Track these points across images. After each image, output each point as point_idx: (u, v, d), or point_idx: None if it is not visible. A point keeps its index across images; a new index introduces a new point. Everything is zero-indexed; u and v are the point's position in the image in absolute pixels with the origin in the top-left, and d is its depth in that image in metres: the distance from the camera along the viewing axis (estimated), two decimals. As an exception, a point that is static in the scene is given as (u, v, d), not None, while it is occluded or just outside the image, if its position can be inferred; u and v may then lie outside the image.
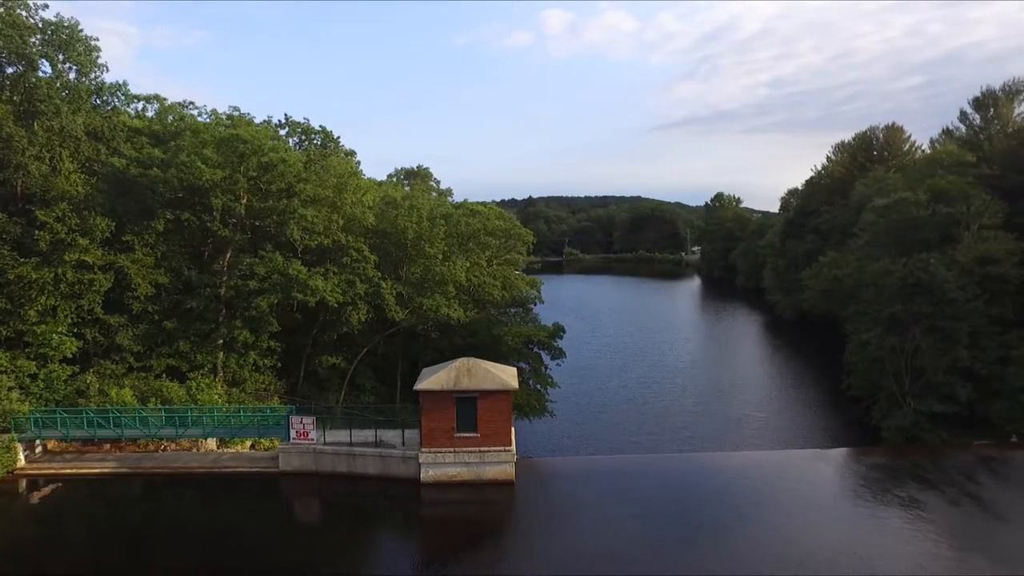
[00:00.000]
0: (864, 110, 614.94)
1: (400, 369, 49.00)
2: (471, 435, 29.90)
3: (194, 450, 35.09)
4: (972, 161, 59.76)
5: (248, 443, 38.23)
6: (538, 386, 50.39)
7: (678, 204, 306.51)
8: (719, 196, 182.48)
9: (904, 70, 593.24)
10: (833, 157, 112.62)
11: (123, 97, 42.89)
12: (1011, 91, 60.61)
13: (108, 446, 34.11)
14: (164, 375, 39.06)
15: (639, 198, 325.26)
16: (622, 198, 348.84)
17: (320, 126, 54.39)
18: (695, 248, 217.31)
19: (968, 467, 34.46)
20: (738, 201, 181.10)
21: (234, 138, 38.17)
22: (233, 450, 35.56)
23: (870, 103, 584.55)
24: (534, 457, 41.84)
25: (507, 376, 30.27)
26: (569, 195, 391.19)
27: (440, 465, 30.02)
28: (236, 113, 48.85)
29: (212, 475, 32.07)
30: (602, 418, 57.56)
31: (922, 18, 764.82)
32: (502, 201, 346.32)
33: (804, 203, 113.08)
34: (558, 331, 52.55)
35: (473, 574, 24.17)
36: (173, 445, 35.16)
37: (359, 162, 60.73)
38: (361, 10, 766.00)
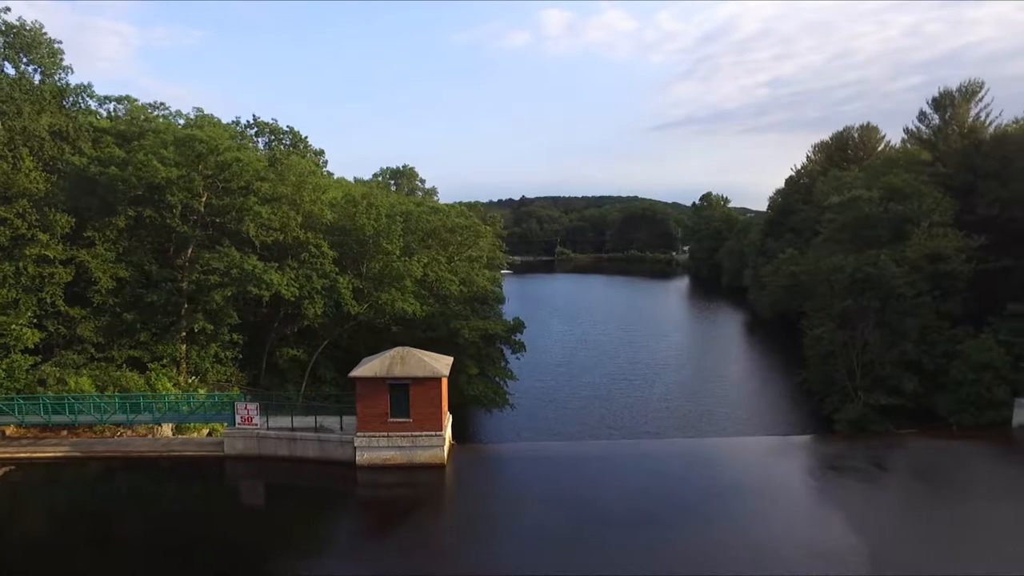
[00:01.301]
0: (864, 110, 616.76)
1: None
2: (404, 420, 31.38)
3: (149, 436, 36.63)
4: (928, 160, 61.12)
5: (205, 431, 39.84)
6: (497, 379, 51.88)
7: (675, 204, 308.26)
8: (707, 196, 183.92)
9: (903, 70, 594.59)
10: (812, 157, 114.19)
11: (89, 98, 44.39)
12: (967, 92, 61.94)
13: (65, 432, 35.63)
14: (125, 366, 40.61)
15: (636, 198, 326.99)
16: (619, 198, 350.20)
17: (288, 126, 56.14)
18: (686, 248, 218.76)
19: (905, 455, 35.94)
20: (726, 201, 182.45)
21: (191, 138, 39.72)
22: (186, 436, 37.07)
23: (870, 103, 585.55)
24: (488, 443, 43.49)
25: (439, 364, 31.74)
26: (567, 195, 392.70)
27: (374, 449, 31.50)
28: (200, 114, 50.35)
29: (162, 458, 33.63)
30: (564, 411, 58.92)
31: (921, 18, 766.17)
32: (499, 201, 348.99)
33: (783, 202, 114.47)
34: (518, 326, 53.93)
35: (403, 546, 25.54)
36: (129, 432, 36.72)
37: (326, 161, 62.36)
38: (361, 10, 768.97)
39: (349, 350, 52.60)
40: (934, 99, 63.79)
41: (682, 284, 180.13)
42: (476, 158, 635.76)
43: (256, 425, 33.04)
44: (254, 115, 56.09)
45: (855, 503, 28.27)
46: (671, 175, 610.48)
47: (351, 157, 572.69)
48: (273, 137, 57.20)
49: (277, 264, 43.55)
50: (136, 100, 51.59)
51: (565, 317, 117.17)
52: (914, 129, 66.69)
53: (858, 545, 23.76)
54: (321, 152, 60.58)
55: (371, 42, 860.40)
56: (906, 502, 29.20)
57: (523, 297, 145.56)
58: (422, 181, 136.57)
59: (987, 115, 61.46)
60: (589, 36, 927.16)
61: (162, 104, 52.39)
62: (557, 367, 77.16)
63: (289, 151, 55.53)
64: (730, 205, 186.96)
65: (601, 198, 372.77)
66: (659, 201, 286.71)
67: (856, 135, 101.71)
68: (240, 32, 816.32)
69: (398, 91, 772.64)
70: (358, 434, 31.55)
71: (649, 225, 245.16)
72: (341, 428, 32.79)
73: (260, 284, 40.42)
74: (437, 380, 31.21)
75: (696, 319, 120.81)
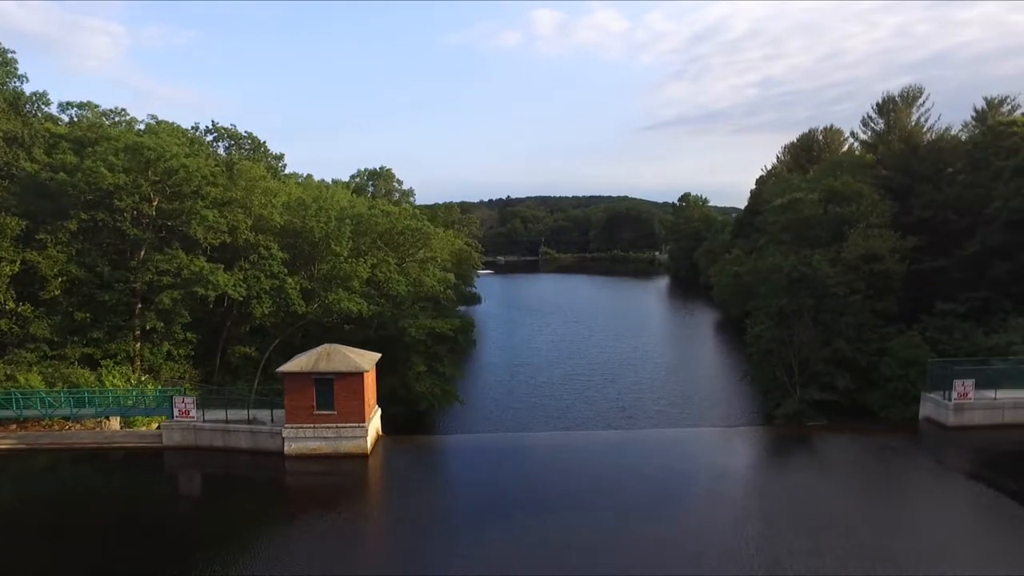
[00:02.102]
0: (854, 110, 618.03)
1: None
2: (329, 412, 33.33)
3: (97, 430, 38.45)
4: (870, 163, 63.27)
5: (154, 424, 41.68)
6: (446, 376, 53.80)
7: (666, 204, 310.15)
8: (686, 196, 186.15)
9: (893, 70, 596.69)
10: (782, 158, 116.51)
11: (44, 105, 46.18)
12: (908, 98, 64.13)
13: (14, 426, 37.44)
14: (78, 363, 42.44)
15: (626, 197, 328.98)
16: (609, 198, 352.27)
17: (247, 132, 57.81)
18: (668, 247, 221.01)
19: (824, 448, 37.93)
20: (705, 201, 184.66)
21: (139, 145, 41.58)
22: (130, 430, 38.91)
23: (859, 103, 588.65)
24: (424, 435, 45.47)
25: (362, 361, 33.68)
26: (558, 195, 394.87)
27: (302, 439, 33.44)
28: (154, 121, 52.17)
29: (103, 449, 35.56)
30: (514, 408, 60.34)
31: (910, 19, 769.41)
32: (489, 201, 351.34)
33: (752, 202, 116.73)
34: (468, 325, 55.92)
35: (326, 528, 27.42)
36: (77, 426, 38.54)
37: (285, 165, 64.15)
38: (354, 10, 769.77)
39: (302, 348, 54.49)
40: (878, 104, 66.03)
41: (662, 284, 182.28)
42: (467, 158, 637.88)
43: (193, 418, 34.94)
44: (213, 121, 58.13)
45: (740, 489, 30.31)
46: (662, 175, 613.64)
47: (341, 157, 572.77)
48: (232, 142, 59.03)
49: (225, 266, 45.46)
50: (97, 106, 53.42)
51: (538, 316, 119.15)
52: (860, 133, 68.90)
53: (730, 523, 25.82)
54: (280, 156, 62.47)
55: (363, 42, 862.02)
56: (787, 489, 31.27)
57: (502, 297, 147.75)
58: (399, 182, 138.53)
59: (926, 120, 63.63)
60: (580, 36, 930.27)
61: (123, 111, 54.29)
62: (518, 366, 78.90)
63: (248, 157, 57.36)
64: (720, 205, 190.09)
65: (591, 198, 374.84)
66: (648, 201, 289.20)
67: (821, 137, 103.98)
68: (231, 32, 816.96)
69: (389, 91, 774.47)
70: (286, 426, 33.48)
71: (634, 225, 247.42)
72: (272, 420, 34.71)
73: (207, 285, 42.28)
74: (359, 375, 33.14)
75: (668, 318, 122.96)
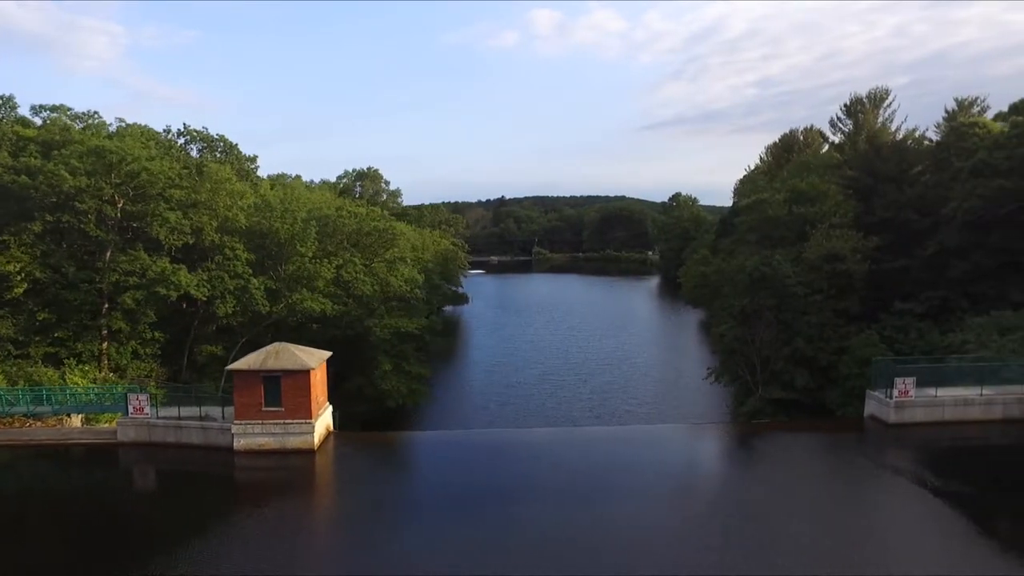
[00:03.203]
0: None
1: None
2: (277, 409, 34.13)
3: (57, 427, 39.27)
4: (837, 163, 63.95)
5: (113, 421, 42.51)
6: (413, 374, 54.70)
7: (664, 204, 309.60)
8: (676, 196, 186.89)
9: (891, 70, 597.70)
10: (764, 157, 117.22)
11: (11, 109, 47.04)
12: (875, 99, 64.82)
13: (-25, 423, 38.26)
14: (43, 363, 43.31)
15: (623, 197, 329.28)
16: (607, 197, 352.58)
17: (218, 134, 58.65)
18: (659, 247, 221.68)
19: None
20: (695, 201, 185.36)
21: (102, 149, 42.43)
22: (88, 427, 39.74)
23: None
24: (381, 431, 46.33)
25: (309, 358, 34.47)
26: (555, 195, 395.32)
27: (250, 435, 34.26)
28: (122, 124, 53.03)
29: (62, 446, 36.39)
30: (486, 408, 61.46)
31: (907, 18, 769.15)
32: (486, 201, 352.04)
33: (736, 202, 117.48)
34: (433, 325, 56.73)
35: (273, 516, 28.26)
36: (39, 423, 39.37)
37: (257, 167, 65.01)
38: (354, 9, 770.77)
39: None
40: (846, 105, 66.68)
41: (652, 283, 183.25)
42: (466, 158, 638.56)
43: (147, 414, 35.77)
44: (184, 124, 58.88)
45: (669, 485, 31.10)
46: (660, 175, 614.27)
47: (339, 156, 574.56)
48: (205, 145, 59.88)
49: (192, 266, 46.34)
50: (69, 109, 54.21)
51: (523, 316, 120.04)
52: (830, 134, 69.60)
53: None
54: (253, 158, 63.30)
55: (362, 42, 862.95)
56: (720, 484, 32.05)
57: (490, 297, 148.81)
58: (387, 183, 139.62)
59: (892, 121, 64.29)
60: (579, 36, 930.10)
61: (95, 113, 55.08)
62: (496, 366, 79.81)
63: (221, 159, 58.24)
64: (720, 205, 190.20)
65: (588, 198, 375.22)
66: (646, 201, 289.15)
67: (801, 137, 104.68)
68: (230, 32, 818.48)
69: (388, 91, 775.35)
70: (235, 422, 34.29)
71: (627, 225, 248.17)
72: (223, 417, 35.53)
73: (169, 285, 43.12)
74: (306, 373, 33.94)
75: (653, 318, 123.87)
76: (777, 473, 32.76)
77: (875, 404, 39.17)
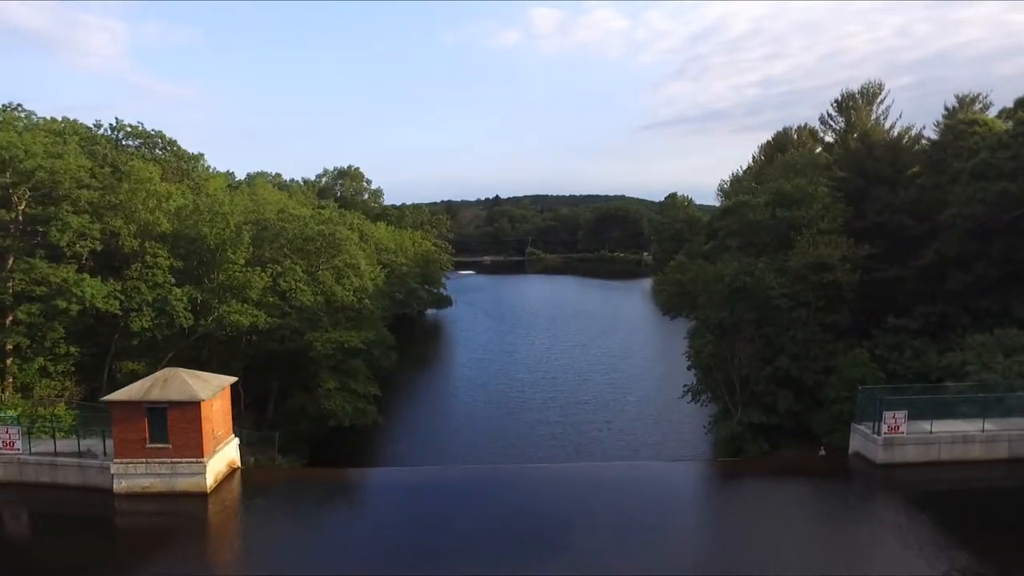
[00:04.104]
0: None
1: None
2: (163, 446, 29.47)
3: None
4: (825, 163, 59.12)
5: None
6: (359, 393, 50.02)
7: (662, 204, 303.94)
8: (672, 196, 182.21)
9: (893, 70, 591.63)
10: (758, 157, 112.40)
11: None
12: (868, 95, 59.94)
13: None
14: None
15: (623, 196, 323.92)
16: (606, 197, 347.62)
17: (154, 130, 53.99)
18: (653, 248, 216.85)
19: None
20: (689, 201, 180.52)
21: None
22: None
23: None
24: (305, 467, 41.50)
25: (201, 388, 29.77)
26: (554, 194, 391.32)
27: (132, 476, 29.61)
28: (36, 117, 48.32)
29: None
30: (432, 437, 55.52)
31: (910, 18, 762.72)
32: (484, 200, 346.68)
33: (721, 203, 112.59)
34: (386, 338, 52.07)
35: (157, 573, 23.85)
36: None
37: (209, 166, 60.36)
38: (353, 8, 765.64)
39: (207, 362, 50.68)
40: (837, 101, 61.82)
41: (646, 285, 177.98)
42: (464, 157, 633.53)
43: (18, 450, 31.11)
44: (117, 118, 54.18)
45: (626, 532, 26.33)
46: (661, 174, 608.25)
47: (335, 156, 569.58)
48: (142, 141, 55.20)
49: (110, 275, 41.75)
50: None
51: (505, 322, 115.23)
52: (820, 132, 64.72)
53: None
54: (197, 157, 58.58)
55: (362, 40, 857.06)
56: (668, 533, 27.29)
57: (477, 300, 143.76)
58: (368, 182, 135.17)
59: (886, 118, 59.44)
60: (580, 35, 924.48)
61: (19, 106, 50.32)
62: (462, 380, 75.02)
63: (158, 157, 53.67)
64: (718, 205, 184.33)
65: (587, 197, 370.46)
66: (645, 200, 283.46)
67: (795, 135, 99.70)
68: (232, 30, 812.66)
69: (386, 90, 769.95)
70: (116, 460, 29.64)
71: (622, 225, 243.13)
72: (105, 453, 30.86)
73: (70, 297, 38.47)
74: (196, 405, 29.25)
75: (642, 325, 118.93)
76: (750, 529, 27.83)
77: (861, 440, 34.37)
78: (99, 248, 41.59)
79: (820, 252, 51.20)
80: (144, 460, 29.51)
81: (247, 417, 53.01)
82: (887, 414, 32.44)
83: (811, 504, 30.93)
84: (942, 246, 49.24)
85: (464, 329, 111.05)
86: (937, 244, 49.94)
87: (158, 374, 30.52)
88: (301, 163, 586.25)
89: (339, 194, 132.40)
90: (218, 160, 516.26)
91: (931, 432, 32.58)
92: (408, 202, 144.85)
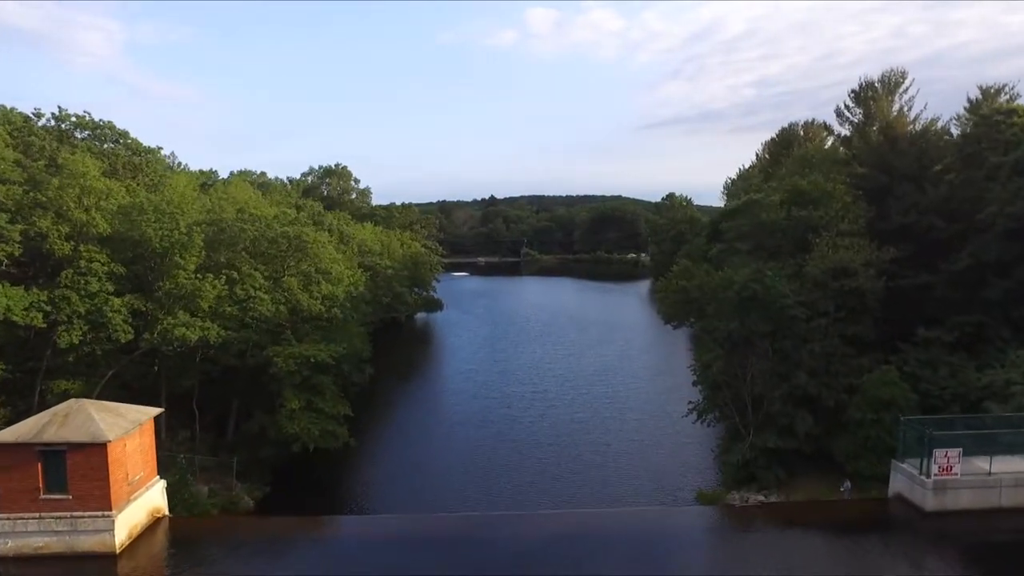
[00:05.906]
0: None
1: (164, 394, 43.33)
2: (61, 497, 24.08)
3: None
4: (844, 159, 53.94)
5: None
6: (327, 413, 44.65)
7: (661, 204, 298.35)
8: (670, 196, 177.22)
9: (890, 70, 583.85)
10: (761, 155, 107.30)
11: None
12: (890, 83, 54.74)
13: None
14: None
15: (619, 196, 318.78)
16: (603, 197, 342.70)
17: (102, 119, 48.54)
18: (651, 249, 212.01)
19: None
20: (689, 201, 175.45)
21: None
22: None
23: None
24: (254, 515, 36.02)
25: (110, 425, 24.39)
26: (551, 194, 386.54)
27: (21, 535, 24.21)
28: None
29: None
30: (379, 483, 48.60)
31: (906, 19, 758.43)
32: (480, 200, 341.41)
33: (726, 204, 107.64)
34: (359, 350, 46.73)
35: None
36: None
37: (181, 162, 54.94)
38: (349, 8, 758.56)
39: (155, 378, 45.31)
40: (855, 91, 56.51)
41: (643, 289, 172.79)
42: (463, 157, 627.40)
43: None
44: (59, 107, 48.75)
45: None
46: (657, 175, 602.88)
47: (331, 155, 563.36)
48: (89, 132, 49.82)
49: (33, 282, 36.41)
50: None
51: (495, 330, 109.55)
52: (836, 125, 59.49)
53: None
54: (154, 150, 53.20)
55: (359, 40, 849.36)
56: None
57: (469, 303, 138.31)
58: (356, 181, 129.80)
59: (910, 109, 54.23)
60: (576, 35, 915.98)
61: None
62: (443, 394, 69.60)
63: (108, 151, 48.32)
64: (719, 205, 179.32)
65: (584, 197, 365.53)
66: (642, 200, 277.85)
67: (801, 131, 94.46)
68: (228, 29, 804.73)
69: (383, 90, 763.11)
70: (1, 516, 24.20)
71: (619, 225, 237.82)
72: None
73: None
74: (101, 447, 23.88)
75: (640, 331, 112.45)
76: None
77: (904, 481, 29.12)
78: (18, 253, 36.15)
79: (841, 256, 45.88)
80: (37, 515, 24.12)
81: (204, 439, 47.61)
82: (938, 452, 27.24)
83: (846, 562, 25.61)
84: (979, 249, 44.11)
85: (454, 335, 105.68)
86: (972, 247, 44.83)
87: (59, 407, 25.12)
88: (299, 163, 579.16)
89: (325, 193, 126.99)
90: (214, 160, 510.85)
91: (991, 474, 27.37)
92: (402, 202, 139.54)
